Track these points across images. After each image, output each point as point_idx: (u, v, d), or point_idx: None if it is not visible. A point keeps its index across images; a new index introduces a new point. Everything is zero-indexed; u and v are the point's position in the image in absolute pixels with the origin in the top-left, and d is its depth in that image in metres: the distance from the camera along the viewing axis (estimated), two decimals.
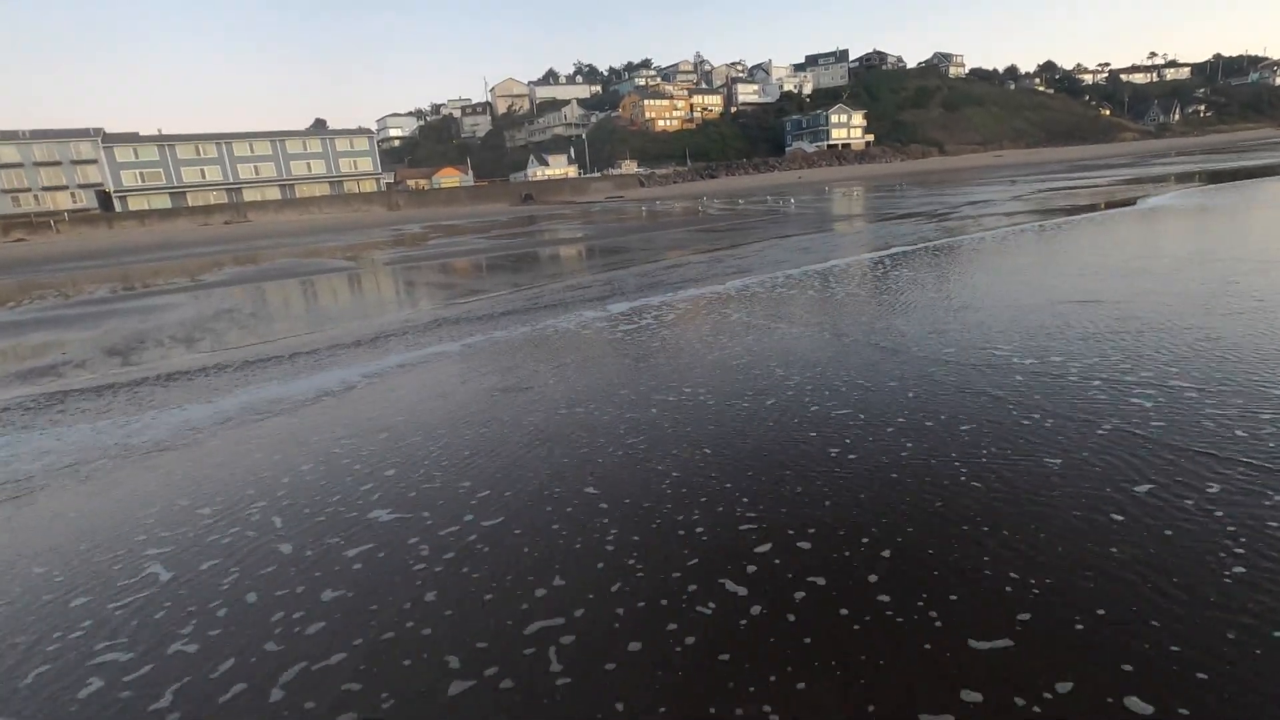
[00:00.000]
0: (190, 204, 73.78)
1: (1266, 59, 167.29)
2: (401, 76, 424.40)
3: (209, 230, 58.75)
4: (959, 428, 4.25)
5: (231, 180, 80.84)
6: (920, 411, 4.57)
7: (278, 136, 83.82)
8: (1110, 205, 19.13)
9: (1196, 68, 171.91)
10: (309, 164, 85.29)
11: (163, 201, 75.69)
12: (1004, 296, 8.09)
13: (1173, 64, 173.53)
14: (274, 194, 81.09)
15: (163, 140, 78.59)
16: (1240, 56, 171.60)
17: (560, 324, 8.62)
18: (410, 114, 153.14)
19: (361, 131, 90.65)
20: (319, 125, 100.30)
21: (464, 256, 20.59)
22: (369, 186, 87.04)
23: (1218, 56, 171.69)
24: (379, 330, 9.18)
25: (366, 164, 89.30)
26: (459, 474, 4.17)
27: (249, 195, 79.33)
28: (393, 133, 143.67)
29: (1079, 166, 52.67)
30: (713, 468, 3.95)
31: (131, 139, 78.58)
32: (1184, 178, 28.39)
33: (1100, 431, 4.01)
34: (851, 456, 3.95)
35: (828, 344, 6.54)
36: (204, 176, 79.69)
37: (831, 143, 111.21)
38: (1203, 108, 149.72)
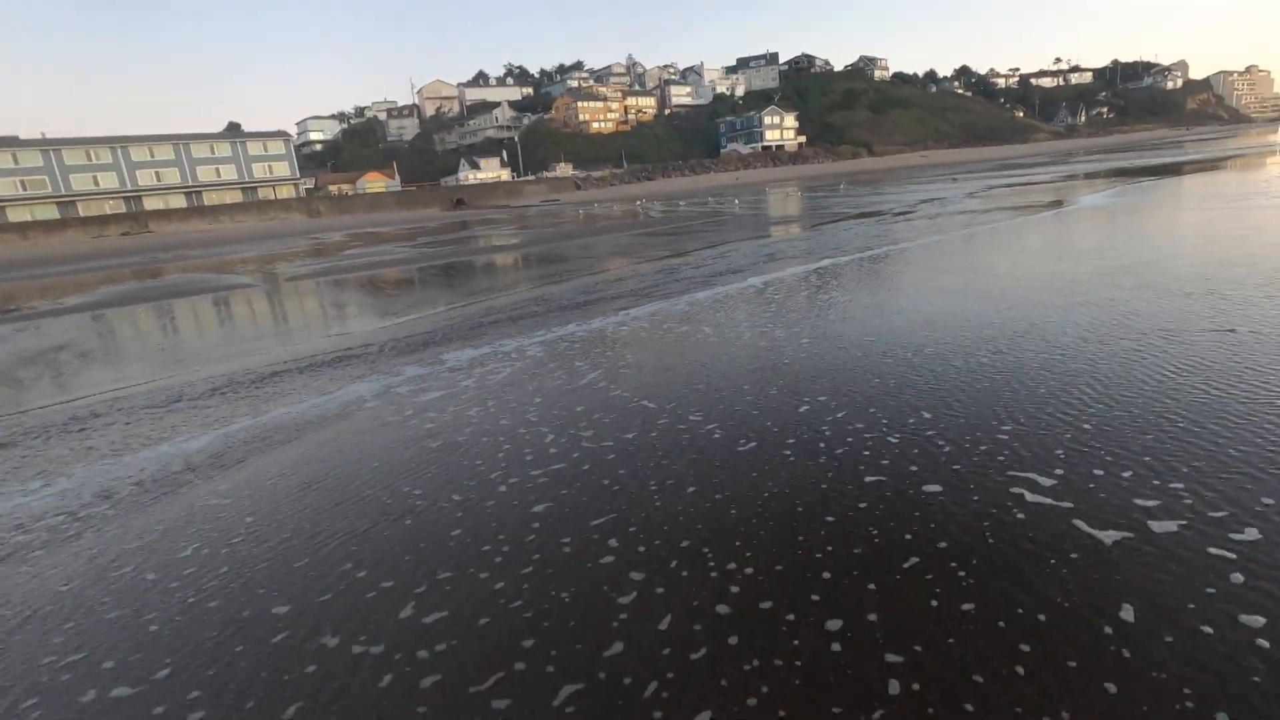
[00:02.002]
0: (81, 214, 67.10)
1: (1158, 64, 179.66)
2: (322, 78, 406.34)
3: (103, 242, 53.37)
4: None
5: (130, 187, 74.06)
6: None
7: (181, 140, 77.42)
8: (1069, 202, 18.56)
9: (1098, 73, 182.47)
10: (218, 169, 79.17)
11: (49, 212, 68.50)
12: (1075, 326, 6.29)
13: (1076, 69, 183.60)
14: (179, 201, 74.84)
15: (47, 144, 71.24)
16: (1136, 62, 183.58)
17: (398, 384, 6.14)
18: (333, 117, 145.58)
19: (278, 134, 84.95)
20: (233, 129, 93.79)
21: (380, 269, 18.29)
22: (286, 192, 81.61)
23: (1116, 62, 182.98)
24: (182, 389, 7.10)
25: (283, 168, 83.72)
26: None
27: (150, 203, 72.91)
28: (314, 136, 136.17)
29: (1005, 165, 53.95)
30: None
31: (10, 143, 70.85)
32: (1116, 173, 28.72)
33: None
34: None
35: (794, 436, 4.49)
36: (97, 184, 72.66)
37: (765, 144, 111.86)
38: (1105, 110, 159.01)
